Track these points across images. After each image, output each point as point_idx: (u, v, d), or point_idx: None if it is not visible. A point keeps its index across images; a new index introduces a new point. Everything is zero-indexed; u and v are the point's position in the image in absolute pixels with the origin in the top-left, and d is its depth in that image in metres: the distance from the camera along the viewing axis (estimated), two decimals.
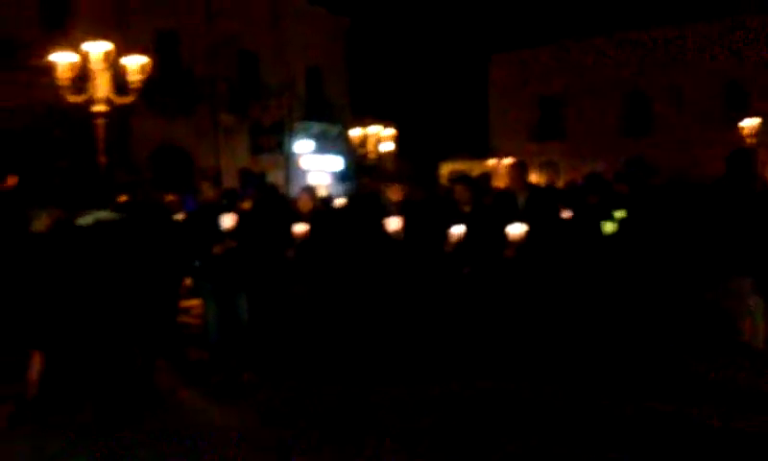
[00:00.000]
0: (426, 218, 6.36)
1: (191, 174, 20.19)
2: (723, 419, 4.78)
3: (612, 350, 6.16)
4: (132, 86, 10.60)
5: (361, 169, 21.16)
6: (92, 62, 10.00)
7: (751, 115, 22.59)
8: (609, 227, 6.62)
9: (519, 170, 6.54)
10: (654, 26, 29.20)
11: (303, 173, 25.76)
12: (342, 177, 25.39)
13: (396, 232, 6.31)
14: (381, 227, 6.33)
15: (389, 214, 6.42)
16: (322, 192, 21.96)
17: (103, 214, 5.38)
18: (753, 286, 6.38)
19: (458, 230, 6.02)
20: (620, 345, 6.26)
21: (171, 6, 20.75)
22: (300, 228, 6.84)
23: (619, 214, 7.03)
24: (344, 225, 7.05)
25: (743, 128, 22.04)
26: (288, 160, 24.01)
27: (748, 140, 21.51)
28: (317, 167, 26.75)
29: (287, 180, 22.49)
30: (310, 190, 7.84)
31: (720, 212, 6.82)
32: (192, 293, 8.02)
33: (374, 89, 32.93)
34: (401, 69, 36.61)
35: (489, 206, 6.61)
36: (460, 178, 6.97)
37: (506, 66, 33.83)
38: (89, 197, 5.50)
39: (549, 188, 7.61)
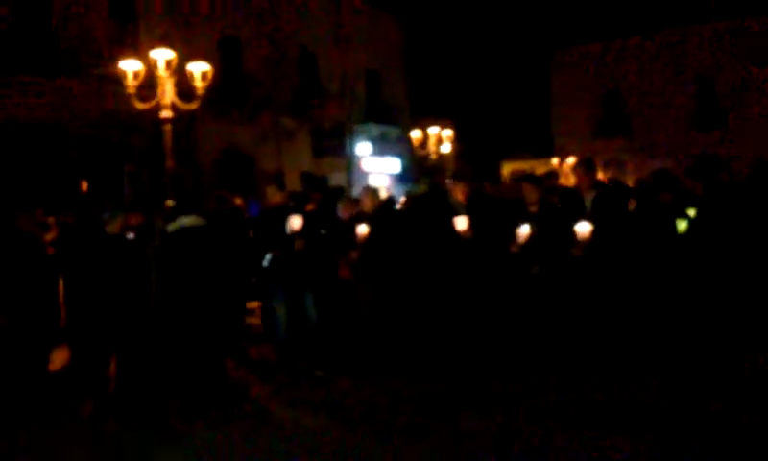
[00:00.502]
0: (494, 217, 6.26)
1: (254, 178, 20.54)
2: None
3: (680, 351, 6.00)
4: (197, 93, 10.81)
5: (422, 170, 21.07)
6: (158, 70, 10.23)
7: None
8: (683, 225, 6.39)
9: (586, 168, 6.38)
10: (716, 20, 28.14)
11: (364, 175, 25.89)
12: (402, 178, 25.38)
13: (464, 231, 6.26)
14: (450, 225, 6.27)
15: (456, 213, 6.37)
16: (383, 194, 22.05)
17: (187, 220, 5.57)
18: None
19: (525, 230, 5.92)
20: (690, 346, 6.06)
21: (233, 12, 21.13)
22: (362, 228, 6.85)
23: (692, 213, 6.76)
24: (410, 224, 6.97)
25: None
26: (349, 163, 24.15)
27: None
28: (377, 169, 26.85)
29: (349, 182, 22.61)
30: (372, 191, 7.83)
31: None
32: (254, 294, 8.12)
33: (434, 90, 32.76)
34: (461, 68, 36.30)
35: (556, 206, 6.45)
36: (527, 176, 6.83)
37: (568, 62, 33.21)
38: (180, 203, 5.75)
39: (618, 186, 7.40)
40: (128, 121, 15.41)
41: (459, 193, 6.74)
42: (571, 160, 29.86)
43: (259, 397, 5.86)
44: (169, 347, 5.31)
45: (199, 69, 10.66)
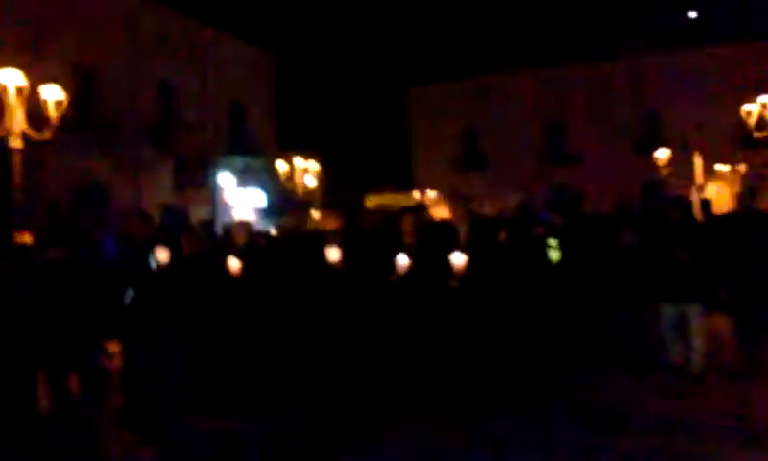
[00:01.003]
0: (369, 247, 6.29)
1: (109, 211, 19.61)
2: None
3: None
4: (50, 121, 10.11)
5: (289, 203, 21.03)
6: (8, 95, 9.54)
7: (664, 146, 23.77)
8: (555, 255, 6.78)
9: (462, 202, 6.66)
10: (572, 62, 30.43)
11: (228, 208, 25.38)
12: (268, 211, 25.15)
13: (336, 263, 6.19)
14: (323, 258, 6.20)
15: (328, 244, 6.28)
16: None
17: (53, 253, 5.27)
18: (700, 310, 6.81)
19: (404, 261, 5.93)
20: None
21: (87, 39, 20.19)
22: (234, 264, 6.65)
23: (553, 243, 7.21)
24: (283, 257, 6.87)
25: (657, 158, 23.21)
26: (212, 195, 23.61)
27: (662, 171, 22.68)
28: (241, 202, 26.42)
29: (212, 215, 22.05)
30: (246, 225, 7.63)
31: (644, 241, 7.22)
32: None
33: (300, 123, 32.87)
34: (326, 103, 36.69)
35: (430, 237, 6.64)
36: (408, 208, 6.98)
37: (424, 99, 34.51)
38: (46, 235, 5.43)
39: (492, 218, 7.77)
40: None
41: (331, 223, 6.68)
42: (432, 194, 31.03)
43: None
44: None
45: (53, 96, 10.01)
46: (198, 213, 21.22)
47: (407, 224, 6.27)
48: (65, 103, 10.06)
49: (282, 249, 7.48)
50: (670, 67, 28.62)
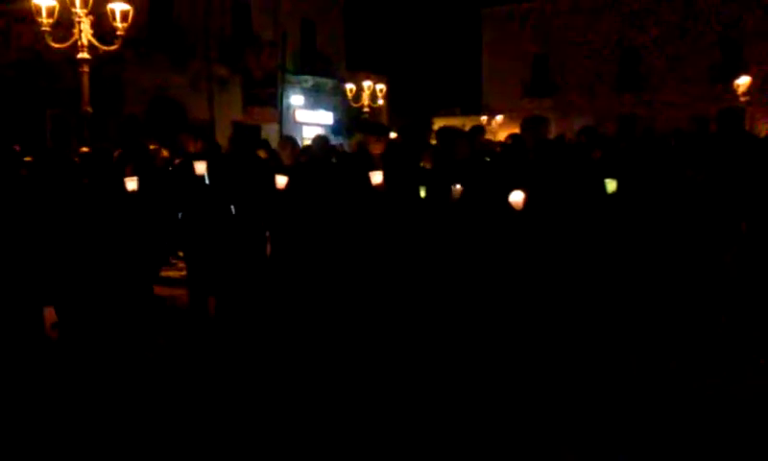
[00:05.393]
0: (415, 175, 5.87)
1: (185, 126, 20.21)
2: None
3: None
4: (117, 34, 10.23)
5: (354, 123, 21.14)
6: (74, 7, 9.70)
7: (745, 73, 22.63)
8: (612, 185, 5.85)
9: (532, 123, 6.06)
10: None
11: (298, 126, 25.75)
12: (334, 131, 25.39)
13: (379, 185, 5.83)
14: (366, 180, 5.87)
15: (373, 168, 5.93)
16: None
17: None
18: None
19: (459, 188, 5.42)
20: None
21: None
22: (281, 180, 6.37)
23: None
24: (325, 178, 6.43)
25: (738, 86, 22.15)
26: (282, 114, 23.96)
27: (742, 99, 21.65)
28: (311, 120, 26.72)
29: (281, 133, 22.46)
30: (291, 142, 7.25)
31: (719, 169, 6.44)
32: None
33: (369, 43, 32.68)
34: (397, 23, 36.21)
35: (489, 163, 6.38)
36: (458, 132, 6.51)
37: (497, 22, 33.58)
38: None
39: (557, 141, 7.25)
40: (50, 63, 14.87)
41: (375, 147, 6.22)
42: (500, 118, 30.60)
43: None
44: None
45: (119, 8, 10.11)
46: (268, 131, 21.68)
47: (461, 148, 5.78)
48: (131, 15, 10.11)
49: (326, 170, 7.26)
50: None
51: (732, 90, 22.15)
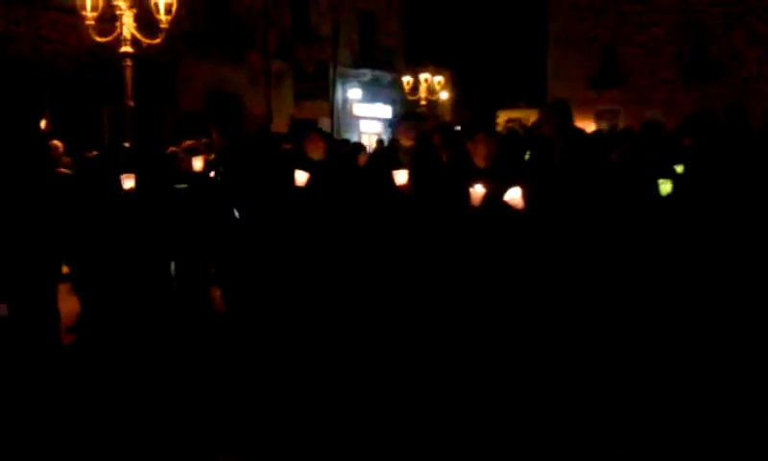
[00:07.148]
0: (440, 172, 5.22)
1: (242, 120, 20.14)
2: None
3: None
4: (161, 27, 10.16)
5: (410, 116, 20.73)
6: (115, 0, 9.69)
7: None
8: (666, 187, 5.22)
9: (554, 112, 5.27)
10: None
11: (355, 121, 25.49)
12: (391, 124, 25.02)
13: (404, 186, 5.21)
14: (388, 180, 5.29)
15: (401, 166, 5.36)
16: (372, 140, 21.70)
17: None
18: None
19: (479, 191, 4.51)
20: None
21: None
22: (301, 177, 5.86)
23: (679, 170, 5.82)
24: (345, 178, 6.03)
25: None
26: (336, 107, 23.70)
27: None
28: (368, 114, 26.43)
29: (333, 128, 22.20)
30: (323, 137, 6.53)
31: None
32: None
33: (430, 35, 32.04)
34: (458, 14, 35.50)
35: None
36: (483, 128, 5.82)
37: (564, 12, 32.54)
38: None
39: (594, 136, 6.70)
40: (106, 58, 14.92)
41: (405, 139, 5.67)
42: None
43: None
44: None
45: (163, 1, 10.02)
46: (321, 126, 21.45)
47: (480, 145, 4.71)
48: (174, 8, 10.03)
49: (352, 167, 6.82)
50: None
51: None
